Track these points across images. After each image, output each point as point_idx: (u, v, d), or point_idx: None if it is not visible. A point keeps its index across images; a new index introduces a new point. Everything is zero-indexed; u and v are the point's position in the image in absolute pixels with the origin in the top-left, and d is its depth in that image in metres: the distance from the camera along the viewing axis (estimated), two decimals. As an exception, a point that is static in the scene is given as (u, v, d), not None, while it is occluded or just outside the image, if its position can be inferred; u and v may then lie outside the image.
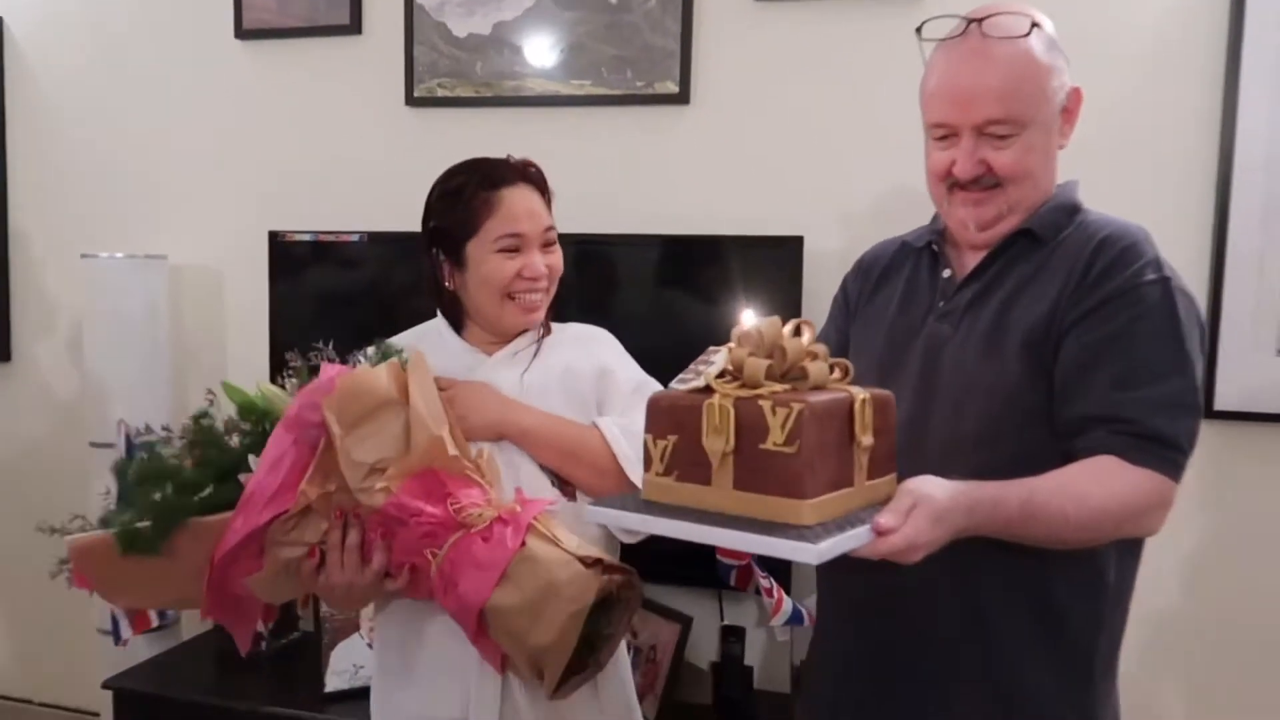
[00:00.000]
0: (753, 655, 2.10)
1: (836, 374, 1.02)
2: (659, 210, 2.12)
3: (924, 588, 1.14)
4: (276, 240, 2.28)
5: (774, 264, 2.01)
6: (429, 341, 1.44)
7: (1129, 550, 1.18)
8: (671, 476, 1.00)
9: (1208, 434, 1.88)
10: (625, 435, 1.33)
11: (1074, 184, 1.25)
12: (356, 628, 2.03)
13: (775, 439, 0.93)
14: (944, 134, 1.19)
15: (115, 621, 2.15)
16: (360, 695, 2.00)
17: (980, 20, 1.15)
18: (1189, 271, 1.87)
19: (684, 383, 1.01)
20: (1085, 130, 1.96)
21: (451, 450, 1.16)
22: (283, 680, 2.11)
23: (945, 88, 1.18)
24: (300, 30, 2.36)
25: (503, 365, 1.40)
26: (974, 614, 1.16)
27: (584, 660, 1.19)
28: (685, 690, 2.07)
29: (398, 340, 1.44)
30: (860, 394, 0.99)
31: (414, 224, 2.19)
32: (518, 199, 1.37)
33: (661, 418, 1.01)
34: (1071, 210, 1.21)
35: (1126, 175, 1.92)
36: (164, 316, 2.37)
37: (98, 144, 2.55)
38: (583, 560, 1.14)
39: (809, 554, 0.88)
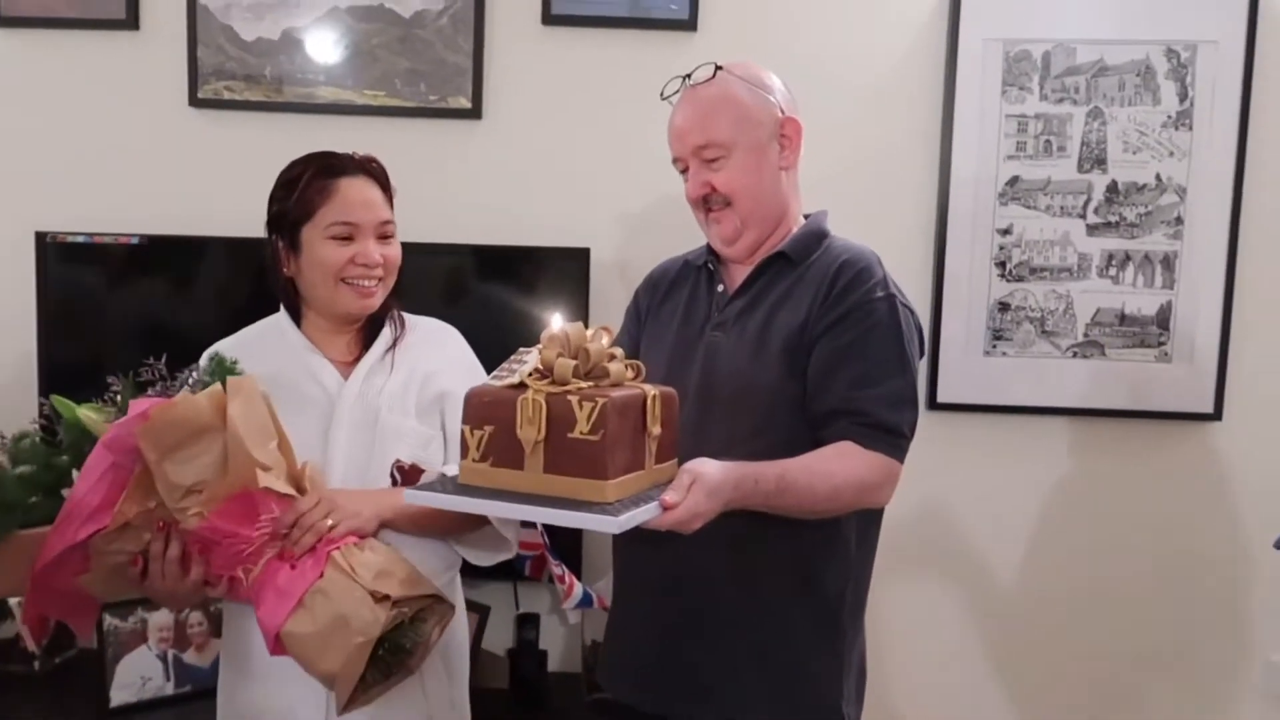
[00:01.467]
0: (546, 640, 2.24)
1: (631, 373, 1.19)
2: (453, 220, 2.21)
3: (705, 560, 1.34)
4: (45, 241, 2.17)
5: (563, 273, 2.16)
6: (269, 340, 1.49)
7: (870, 520, 1.44)
8: (487, 462, 1.13)
9: (933, 422, 2.23)
10: None
11: (823, 214, 1.51)
12: (144, 639, 1.99)
13: (581, 428, 1.08)
14: (681, 167, 1.45)
15: None
16: (148, 708, 1.98)
17: (688, 75, 1.44)
18: (916, 284, 2.22)
19: (499, 379, 1.15)
20: (826, 159, 2.25)
21: (262, 479, 1.21)
22: (62, 699, 2.02)
23: (670, 131, 1.45)
24: (70, 21, 2.25)
25: (358, 383, 1.46)
26: (745, 580, 1.38)
27: (391, 667, 1.27)
28: (483, 676, 2.17)
29: (236, 339, 1.48)
30: (651, 390, 1.17)
31: (198, 228, 2.19)
32: (354, 189, 1.45)
33: (479, 410, 1.14)
34: (820, 236, 1.46)
35: (860, 204, 2.22)
36: (-90, 321, 2.19)
37: None
38: (373, 594, 1.21)
39: (611, 525, 1.04)
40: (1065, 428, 2.26)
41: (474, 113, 2.24)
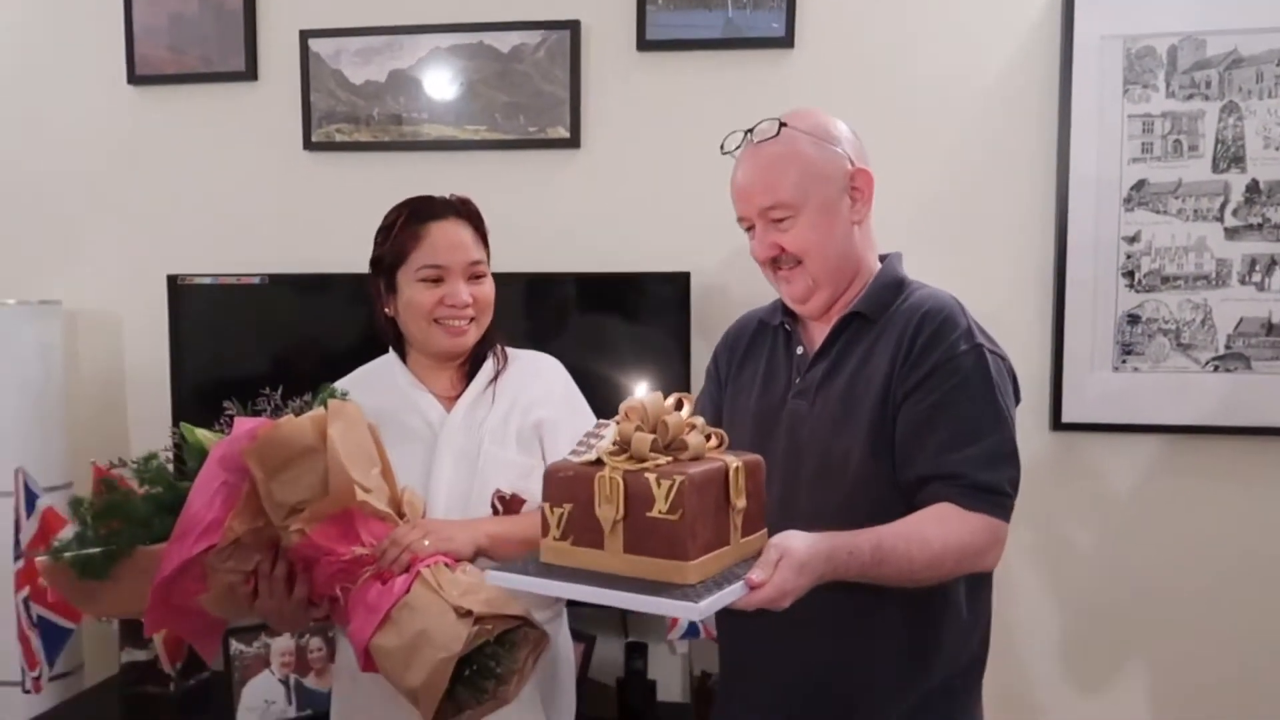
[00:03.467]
0: (655, 669, 2.21)
1: (713, 442, 1.13)
2: (555, 249, 2.23)
3: (815, 630, 1.27)
4: (175, 284, 2.30)
5: (664, 298, 2.14)
6: (379, 377, 1.55)
7: (980, 585, 1.34)
8: (568, 541, 1.10)
9: (1056, 444, 2.11)
10: None
11: (897, 258, 1.43)
12: (266, 664, 2.07)
13: (660, 508, 1.04)
14: (747, 226, 1.39)
15: (23, 670, 2.13)
16: (272, 731, 2.05)
17: (750, 130, 1.36)
18: (1035, 297, 2.11)
19: (577, 455, 1.12)
20: (936, 173, 2.16)
21: (360, 496, 1.24)
22: (191, 719, 2.13)
23: (734, 189, 1.38)
24: (195, 76, 2.39)
25: (460, 416, 1.50)
26: (854, 651, 1.31)
27: (483, 691, 1.27)
28: (591, 706, 2.16)
29: (350, 378, 1.55)
30: (734, 461, 1.11)
31: (314, 266, 2.28)
32: (443, 232, 1.48)
33: (557, 488, 1.11)
34: (896, 287, 1.37)
35: (973, 216, 2.13)
36: (59, 362, 2.36)
37: (-15, 188, 2.53)
38: (457, 610, 1.22)
39: (692, 612, 0.99)
40: (1205, 447, 2.08)
41: (573, 142, 2.26)
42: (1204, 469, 2.09)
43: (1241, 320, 2.04)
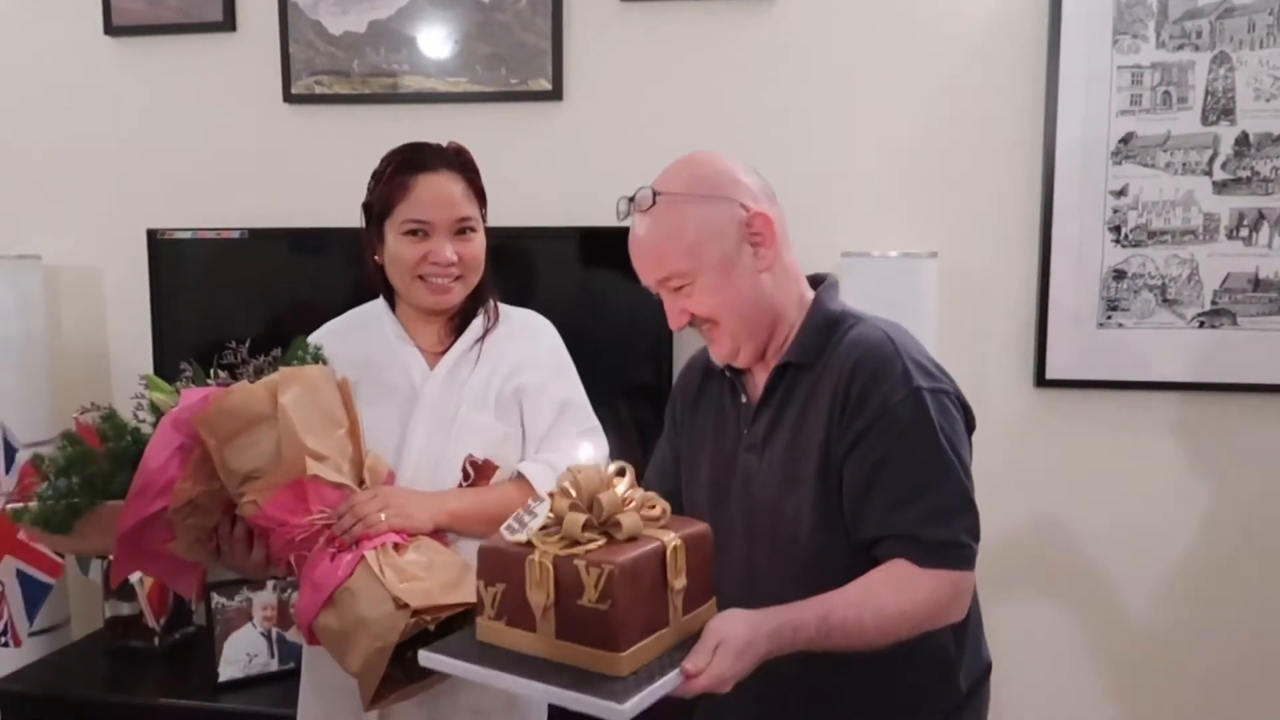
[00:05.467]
0: None
1: (656, 511, 1.09)
2: (537, 203, 2.20)
3: (790, 681, 1.21)
4: (156, 238, 2.28)
5: (645, 253, 2.12)
6: (366, 326, 1.52)
7: (959, 627, 1.25)
8: (502, 621, 1.06)
9: (1040, 400, 2.10)
10: (550, 474, 1.40)
11: (830, 289, 1.32)
12: (249, 618, 2.07)
13: (589, 596, 0.99)
14: (654, 292, 1.30)
15: (7, 625, 2.15)
16: (254, 683, 2.06)
17: (631, 197, 1.27)
18: (1020, 253, 2.08)
19: (512, 531, 1.07)
20: (921, 126, 2.13)
21: (312, 468, 1.23)
22: (175, 672, 2.13)
23: (631, 254, 1.29)
24: (173, 27, 2.35)
25: (441, 376, 1.47)
26: (836, 706, 1.25)
27: (419, 673, 1.23)
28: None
29: (335, 325, 1.53)
30: (672, 540, 1.06)
31: (295, 220, 2.26)
32: (431, 186, 1.43)
33: (490, 567, 1.07)
34: (828, 328, 1.26)
35: (958, 170, 2.10)
36: (40, 317, 2.34)
37: (-37, 142, 2.51)
38: (396, 601, 1.19)
39: (617, 714, 0.94)
40: (1189, 404, 2.08)
41: (555, 94, 2.22)
42: (1189, 426, 2.08)
43: (1229, 276, 2.02)
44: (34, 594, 2.16)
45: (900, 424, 1.17)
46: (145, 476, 1.23)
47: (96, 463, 1.29)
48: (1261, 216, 2.00)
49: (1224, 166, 2.00)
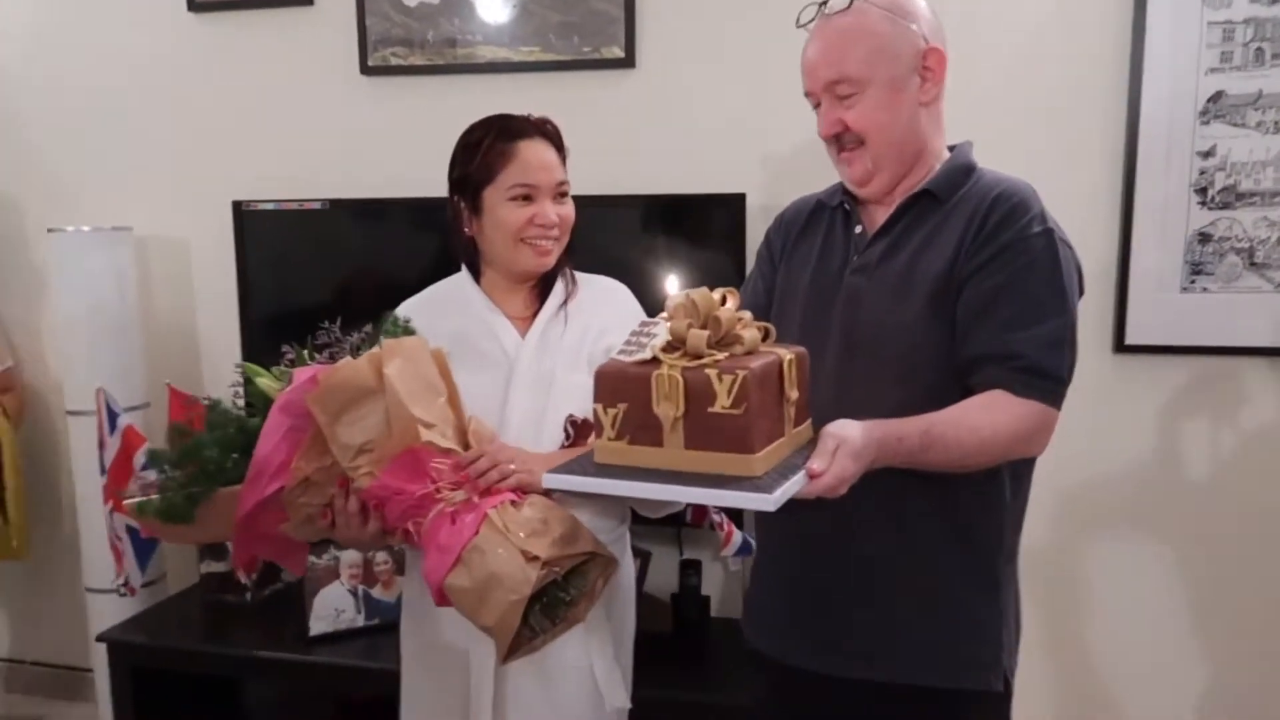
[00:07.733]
0: (709, 585, 2.26)
1: (760, 334, 1.14)
2: (608, 172, 2.22)
3: (856, 514, 1.28)
4: (241, 210, 2.35)
5: (718, 221, 2.13)
6: (452, 298, 1.55)
7: (1022, 472, 1.34)
8: (624, 440, 1.10)
9: (1119, 366, 2.07)
10: None
11: (968, 145, 1.39)
12: (336, 575, 2.16)
13: (722, 403, 1.04)
14: (814, 102, 1.35)
15: (125, 577, 2.26)
16: (342, 638, 2.15)
17: (824, 2, 1.32)
18: (1103, 215, 2.05)
19: (628, 354, 1.11)
20: (1002, 83, 2.09)
21: (424, 436, 1.26)
22: (269, 626, 2.23)
23: (803, 63, 1.35)
24: (253, 2, 2.41)
25: (534, 340, 1.51)
26: (900, 535, 1.32)
27: (556, 618, 1.31)
28: (646, 620, 2.21)
29: (421, 299, 1.56)
30: (787, 355, 1.12)
31: (374, 190, 2.31)
32: (532, 151, 1.47)
33: (611, 388, 1.10)
34: (967, 170, 1.34)
35: (1040, 128, 2.06)
36: (132, 287, 2.44)
37: (55, 118, 2.60)
38: (525, 554, 1.24)
39: (767, 503, 0.99)
40: (1277, 370, 2.03)
41: (628, 62, 2.23)
42: (1273, 392, 2.04)
43: (1320, 238, 1.97)
44: (142, 548, 2.28)
45: (1031, 254, 1.24)
46: (259, 460, 1.27)
47: (207, 450, 1.33)
48: (1358, 176, 1.94)
49: (1319, 125, 1.94)
